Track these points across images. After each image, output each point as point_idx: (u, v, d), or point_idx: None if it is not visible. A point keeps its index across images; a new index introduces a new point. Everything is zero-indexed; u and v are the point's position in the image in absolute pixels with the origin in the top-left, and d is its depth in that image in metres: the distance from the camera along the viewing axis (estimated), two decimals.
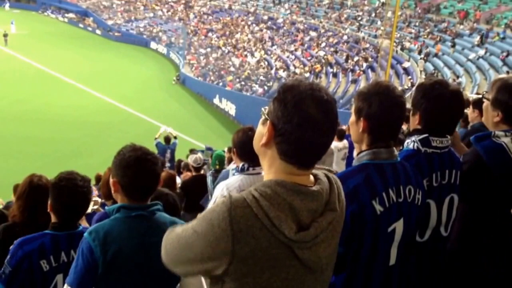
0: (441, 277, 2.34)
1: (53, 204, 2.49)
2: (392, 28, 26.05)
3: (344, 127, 9.22)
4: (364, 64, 30.61)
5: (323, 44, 36.31)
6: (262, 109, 1.46)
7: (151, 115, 24.79)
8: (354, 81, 28.95)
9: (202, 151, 15.12)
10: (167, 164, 12.82)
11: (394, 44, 28.35)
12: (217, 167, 5.74)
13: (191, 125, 24.58)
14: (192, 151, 12.82)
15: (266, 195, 1.32)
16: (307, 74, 31.45)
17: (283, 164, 1.40)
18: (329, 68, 32.17)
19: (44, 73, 32.83)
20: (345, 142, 8.53)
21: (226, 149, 7.11)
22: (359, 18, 38.80)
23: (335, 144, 8.18)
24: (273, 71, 34.17)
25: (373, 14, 38.41)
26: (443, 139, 2.25)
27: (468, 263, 2.47)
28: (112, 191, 2.16)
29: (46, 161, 16.42)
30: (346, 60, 32.17)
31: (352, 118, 2.06)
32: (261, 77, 33.48)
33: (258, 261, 1.31)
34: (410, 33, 33.54)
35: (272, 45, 39.30)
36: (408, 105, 2.30)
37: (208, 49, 41.20)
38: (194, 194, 6.09)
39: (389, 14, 30.39)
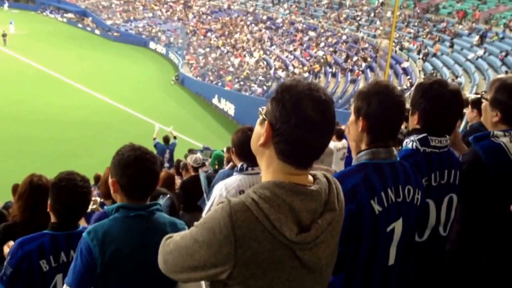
0: (440, 277, 2.34)
1: (53, 204, 2.49)
2: (391, 28, 26.06)
3: (343, 127, 9.22)
4: (363, 64, 30.61)
5: (322, 44, 36.31)
6: (260, 109, 1.46)
7: (150, 115, 24.76)
8: (353, 81, 28.95)
9: (201, 151, 15.10)
10: (166, 164, 12.82)
11: (393, 44, 28.36)
12: (216, 167, 5.74)
13: (190, 125, 24.56)
14: (191, 151, 12.81)
15: (265, 197, 1.32)
16: (306, 74, 31.44)
17: (281, 164, 1.40)
18: (328, 68, 32.17)
19: (43, 73, 32.80)
20: (344, 142, 8.53)
21: (225, 149, 7.11)
22: (358, 18, 38.80)
23: (334, 144, 8.18)
24: (272, 71, 34.17)
25: (372, 14, 38.41)
26: (442, 138, 2.25)
27: (468, 263, 2.47)
28: (111, 191, 2.15)
29: (45, 161, 16.42)
30: (346, 60, 32.18)
31: (352, 117, 2.06)
32: (260, 77, 33.48)
33: (261, 264, 1.31)
34: (409, 33, 33.54)
35: (271, 45, 39.29)
36: (407, 105, 2.31)
37: (207, 49, 41.19)
38: (193, 194, 6.08)
39: (388, 14, 30.39)
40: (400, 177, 1.98)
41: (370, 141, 2.01)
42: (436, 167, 2.24)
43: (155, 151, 12.25)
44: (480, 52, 26.27)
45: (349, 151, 8.49)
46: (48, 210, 2.52)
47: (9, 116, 23.02)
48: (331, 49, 35.02)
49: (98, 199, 5.29)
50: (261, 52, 38.19)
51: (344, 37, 36.47)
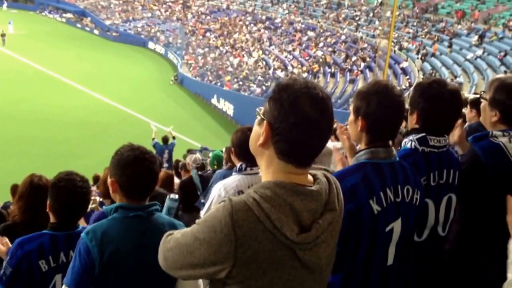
0: (439, 276, 2.34)
1: (52, 204, 2.48)
2: (390, 28, 26.08)
3: None
4: (362, 64, 30.63)
5: (321, 44, 36.32)
6: (257, 109, 1.45)
7: (149, 115, 24.73)
8: (352, 81, 28.98)
9: (200, 151, 15.10)
10: (165, 165, 12.81)
11: (392, 44, 28.38)
12: (216, 167, 5.74)
13: (189, 125, 24.55)
14: (190, 151, 12.81)
15: (266, 197, 1.32)
16: (305, 74, 31.44)
17: (281, 164, 1.40)
18: (327, 68, 32.19)
19: (42, 73, 32.77)
20: None
21: (224, 150, 7.10)
22: (357, 18, 38.82)
23: (333, 144, 8.16)
24: (271, 71, 34.17)
25: (371, 14, 38.43)
26: (441, 138, 2.25)
27: (467, 263, 2.47)
28: (110, 191, 2.15)
29: (44, 162, 16.38)
30: (345, 60, 32.19)
31: (351, 117, 2.06)
32: (259, 77, 33.46)
33: (261, 264, 1.31)
34: (408, 33, 33.56)
35: (270, 45, 39.29)
36: (406, 105, 2.30)
37: (206, 49, 41.18)
38: (192, 195, 6.08)
39: (387, 14, 30.40)
40: (399, 177, 1.98)
41: (369, 141, 2.01)
42: (435, 166, 2.24)
43: (154, 151, 12.25)
44: (479, 52, 26.29)
45: None
46: (47, 210, 2.52)
47: (7, 116, 22.98)
48: (330, 49, 35.03)
49: (98, 199, 5.29)
50: (260, 52, 38.19)
51: (343, 37, 36.49)
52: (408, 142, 2.28)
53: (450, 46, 28.61)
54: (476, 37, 28.35)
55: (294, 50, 36.99)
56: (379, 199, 1.90)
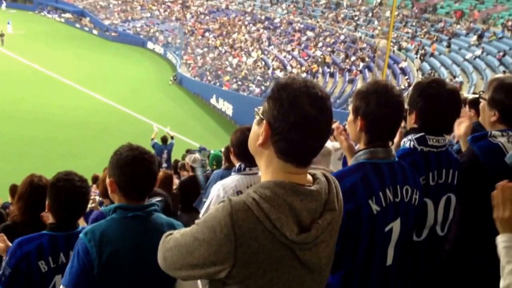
0: (438, 276, 2.34)
1: (51, 205, 2.48)
2: (389, 28, 26.09)
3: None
4: (361, 64, 30.65)
5: (320, 44, 36.33)
6: (256, 109, 1.45)
7: (148, 115, 24.74)
8: (351, 81, 29.00)
9: (200, 151, 15.09)
10: (164, 165, 12.82)
11: (391, 44, 28.41)
12: (215, 167, 5.74)
13: (188, 125, 24.56)
14: (189, 152, 12.81)
15: (266, 197, 1.32)
16: (304, 74, 31.44)
17: (280, 163, 1.40)
18: (326, 68, 32.20)
19: (41, 73, 32.75)
20: None
21: (222, 150, 7.09)
22: (356, 18, 38.83)
23: (332, 144, 8.16)
24: (270, 71, 34.17)
25: (370, 14, 38.45)
26: (440, 138, 2.25)
27: (466, 262, 2.47)
28: (109, 191, 2.14)
29: (42, 162, 16.35)
30: (344, 60, 32.21)
31: (350, 117, 2.06)
32: (258, 77, 33.47)
33: (261, 264, 1.31)
34: (407, 33, 33.58)
35: (269, 45, 39.29)
36: (406, 105, 2.30)
37: (205, 49, 41.17)
38: (192, 195, 6.08)
39: (386, 14, 30.42)
40: (398, 177, 1.98)
41: (368, 141, 2.01)
42: (434, 166, 2.24)
43: (153, 151, 12.25)
44: (478, 52, 26.32)
45: None
46: (46, 210, 2.51)
47: (7, 116, 22.97)
48: (329, 49, 35.04)
49: (97, 198, 5.29)
50: (259, 52, 38.18)
51: (342, 37, 36.50)
52: (407, 142, 2.28)
53: (448, 46, 28.63)
54: (475, 37, 28.39)
55: (293, 50, 37.00)
56: (378, 199, 1.90)
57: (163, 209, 4.33)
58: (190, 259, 1.38)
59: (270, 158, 1.42)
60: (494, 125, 2.47)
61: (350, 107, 2.09)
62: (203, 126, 25.84)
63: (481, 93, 2.75)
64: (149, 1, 55.30)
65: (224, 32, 43.92)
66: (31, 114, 23.75)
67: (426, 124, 2.25)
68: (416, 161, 2.20)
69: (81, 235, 2.00)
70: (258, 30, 42.45)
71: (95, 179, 9.47)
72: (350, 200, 1.83)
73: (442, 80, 2.38)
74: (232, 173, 3.20)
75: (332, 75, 31.08)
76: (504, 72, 20.91)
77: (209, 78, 35.14)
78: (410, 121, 2.32)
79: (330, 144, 8.05)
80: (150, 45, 44.98)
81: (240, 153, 3.13)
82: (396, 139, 2.55)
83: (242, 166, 3.13)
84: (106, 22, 50.93)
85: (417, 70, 26.95)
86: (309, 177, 1.45)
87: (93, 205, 4.80)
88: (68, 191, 2.45)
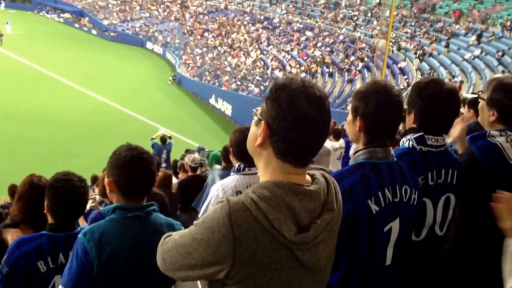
0: (437, 276, 2.34)
1: (50, 205, 2.47)
2: (388, 28, 26.10)
3: (340, 127, 9.23)
4: (360, 64, 30.66)
5: (319, 44, 36.33)
6: (254, 110, 1.45)
7: (147, 115, 24.76)
8: (350, 81, 29.01)
9: (198, 151, 15.10)
10: (163, 165, 12.82)
11: (390, 43, 28.41)
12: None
13: (187, 125, 24.57)
14: (188, 152, 12.82)
15: (264, 197, 1.32)
16: (303, 74, 31.44)
17: (279, 164, 1.40)
18: (325, 68, 32.20)
19: (40, 73, 32.74)
20: (341, 141, 8.53)
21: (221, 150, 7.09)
22: (355, 18, 38.84)
23: (331, 144, 8.17)
24: (269, 71, 34.17)
25: (369, 14, 38.47)
26: (439, 137, 2.25)
27: (466, 262, 2.47)
28: (107, 191, 2.14)
29: (41, 162, 16.34)
30: (343, 60, 32.21)
31: (349, 117, 2.06)
32: (257, 77, 33.48)
33: (259, 264, 1.31)
34: (406, 33, 33.59)
35: (268, 45, 39.29)
36: (405, 105, 2.30)
37: (204, 49, 41.18)
38: (191, 195, 6.07)
39: (386, 13, 30.42)
40: (397, 177, 1.98)
41: (367, 141, 2.01)
42: (433, 166, 2.24)
43: (152, 151, 12.25)
44: (477, 51, 26.31)
45: (346, 151, 8.50)
46: (45, 211, 2.51)
47: (6, 116, 22.97)
48: (328, 49, 35.04)
49: (97, 197, 5.29)
50: (258, 52, 38.19)
51: (341, 37, 36.51)
52: (405, 142, 2.28)
53: (447, 46, 28.64)
54: (474, 37, 28.39)
55: (292, 50, 37.00)
56: (377, 199, 1.90)
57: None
58: (189, 260, 1.37)
59: (268, 158, 1.42)
60: (493, 125, 2.47)
61: (349, 107, 2.09)
62: (202, 126, 25.84)
63: (480, 93, 2.76)
64: (148, 1, 55.29)
65: (223, 32, 43.92)
66: (30, 114, 23.76)
67: (425, 124, 2.25)
68: (415, 160, 2.19)
69: (80, 235, 2.00)
70: (257, 30, 42.46)
71: (94, 179, 9.46)
72: (349, 200, 1.83)
73: (441, 80, 2.38)
74: (232, 173, 3.20)
75: (331, 75, 31.09)
76: (503, 72, 20.94)
77: (208, 78, 35.14)
78: (409, 121, 2.32)
79: (329, 144, 8.07)
80: (149, 45, 44.99)
81: (239, 153, 3.13)
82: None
83: (242, 166, 3.13)
84: (105, 22, 50.93)
85: (416, 70, 26.96)
86: (308, 177, 1.45)
87: (93, 204, 4.79)
88: (67, 191, 2.44)
